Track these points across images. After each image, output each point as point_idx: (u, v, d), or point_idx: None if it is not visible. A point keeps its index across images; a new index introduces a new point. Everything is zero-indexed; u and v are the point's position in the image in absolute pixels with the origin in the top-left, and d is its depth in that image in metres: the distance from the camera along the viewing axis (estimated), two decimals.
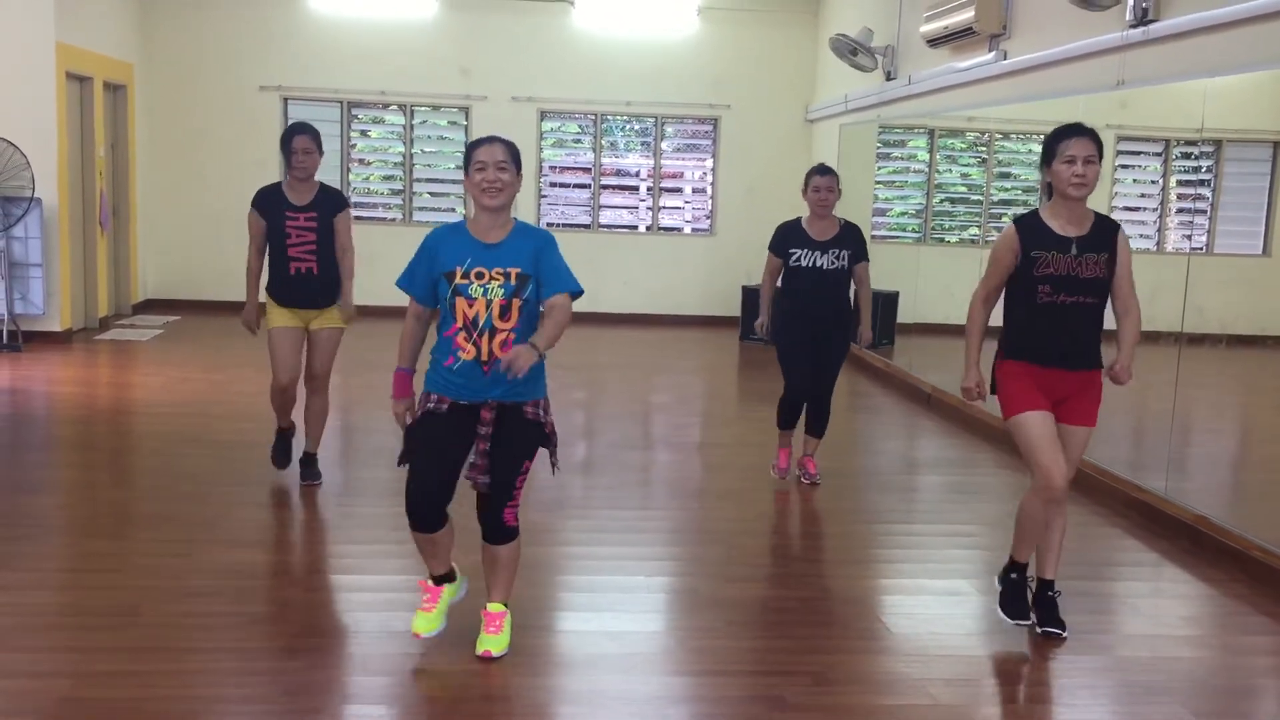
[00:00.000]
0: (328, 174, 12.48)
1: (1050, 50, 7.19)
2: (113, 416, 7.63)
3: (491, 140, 3.81)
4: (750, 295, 11.58)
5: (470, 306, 3.71)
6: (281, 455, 5.88)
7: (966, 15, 8.07)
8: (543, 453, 3.92)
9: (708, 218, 13.09)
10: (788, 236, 6.09)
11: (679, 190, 13.33)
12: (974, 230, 10.03)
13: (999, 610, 4.28)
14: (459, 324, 3.72)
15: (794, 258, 6.01)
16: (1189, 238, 6.86)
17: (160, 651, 3.85)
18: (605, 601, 4.52)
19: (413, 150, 12.67)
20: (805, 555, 5.50)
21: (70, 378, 8.79)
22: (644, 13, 12.40)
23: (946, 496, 6.54)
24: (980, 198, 9.84)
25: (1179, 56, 5.94)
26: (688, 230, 13.24)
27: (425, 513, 3.83)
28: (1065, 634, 4.19)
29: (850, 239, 6.03)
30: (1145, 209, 7.85)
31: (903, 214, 11.55)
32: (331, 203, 5.58)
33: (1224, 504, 5.88)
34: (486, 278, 3.71)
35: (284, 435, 5.89)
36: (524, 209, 12.67)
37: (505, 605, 3.96)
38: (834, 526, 5.80)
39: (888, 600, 4.77)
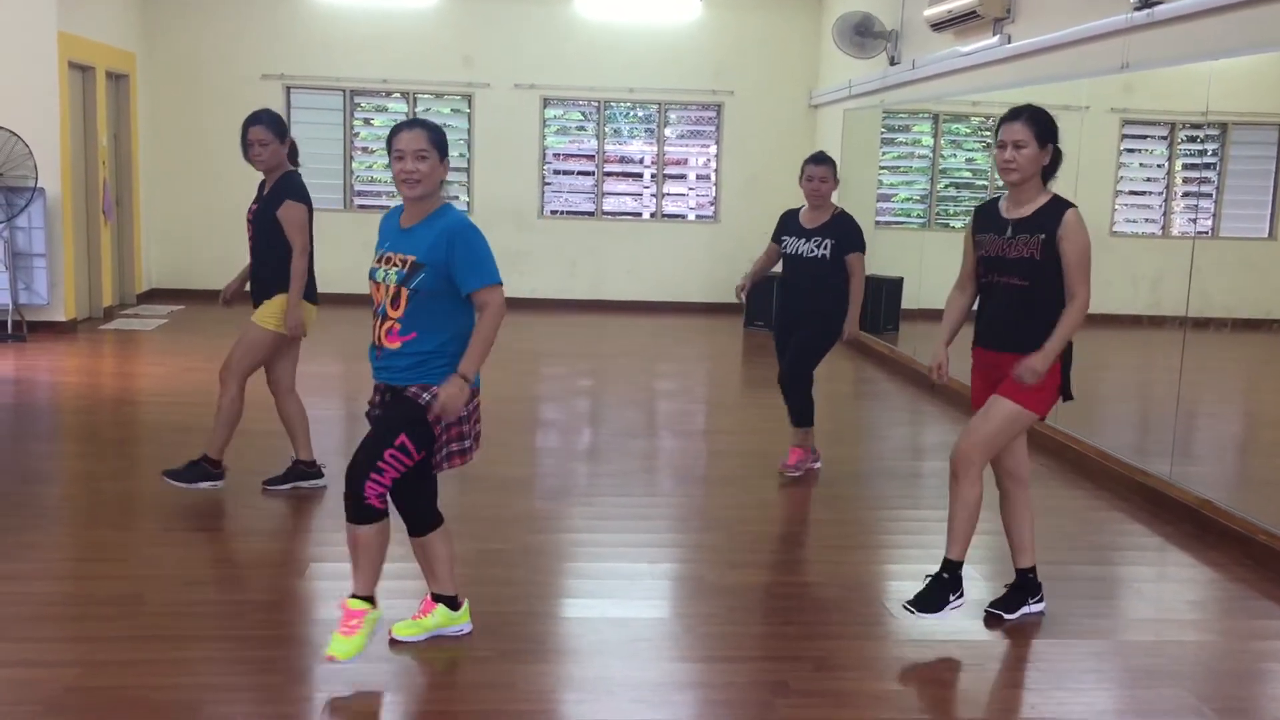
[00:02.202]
0: (331, 163, 12.55)
1: (1054, 33, 7.16)
2: (117, 406, 7.63)
3: (413, 125, 3.65)
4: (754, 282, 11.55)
5: (376, 290, 3.67)
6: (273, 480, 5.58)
7: None
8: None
9: (711, 204, 13.06)
10: (784, 223, 6.14)
11: (683, 177, 13.30)
12: None
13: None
14: (373, 307, 3.70)
15: (784, 245, 6.07)
16: (1194, 221, 6.83)
17: (165, 640, 3.86)
18: (609, 588, 4.52)
19: None
20: (809, 541, 5.50)
21: (75, 368, 8.80)
22: None
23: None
24: (985, 183, 9.82)
25: (1184, 39, 5.92)
26: (691, 217, 13.22)
27: (346, 493, 3.63)
28: (1008, 617, 4.21)
29: (837, 229, 5.92)
30: (1151, 193, 7.83)
31: (907, 199, 11.52)
32: (276, 196, 5.27)
33: (1229, 488, 5.87)
34: (391, 262, 3.63)
35: (305, 465, 5.62)
36: (528, 196, 12.67)
37: (368, 601, 3.69)
38: (838, 512, 5.79)
39: (892, 585, 4.76)
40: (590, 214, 12.95)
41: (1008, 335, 4.07)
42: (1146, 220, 7.85)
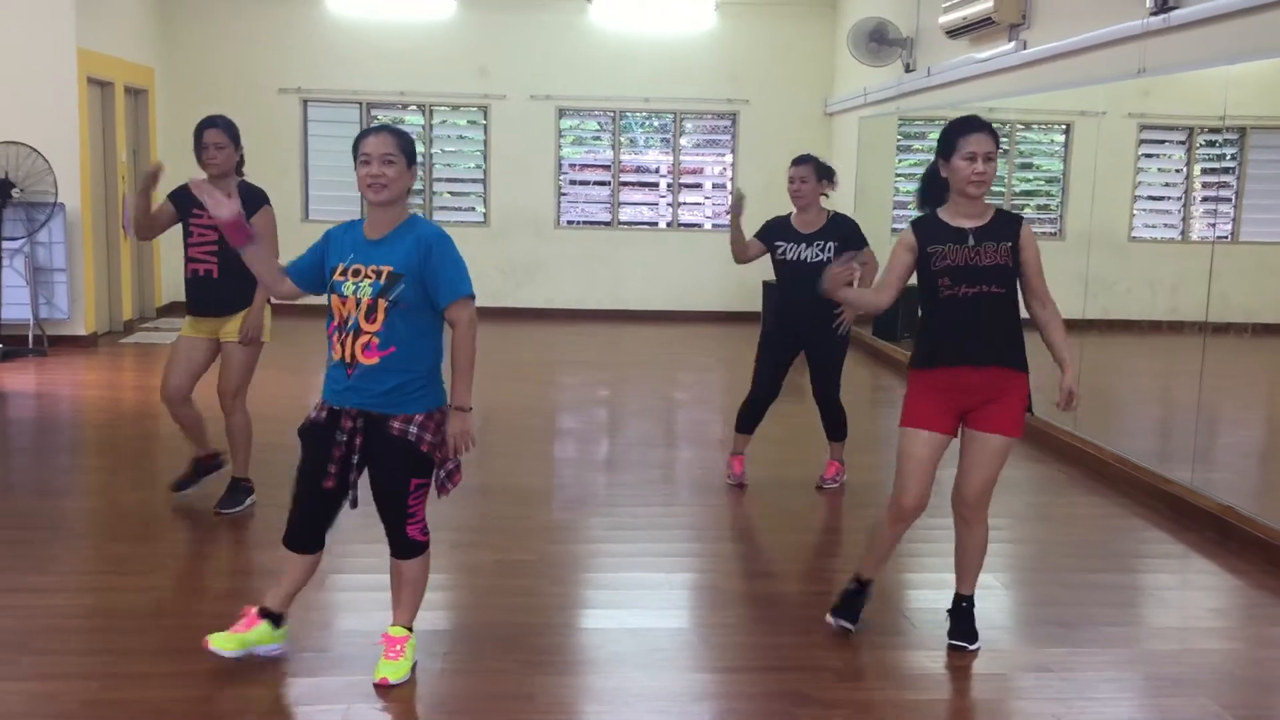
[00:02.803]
0: (347, 175, 12.45)
1: (1070, 39, 7.14)
2: (137, 419, 7.66)
3: (380, 131, 3.56)
4: (771, 289, 11.54)
5: (343, 304, 3.52)
6: (182, 481, 5.55)
7: (985, 5, 8.02)
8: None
9: (728, 213, 13.04)
10: (774, 230, 5.99)
11: (699, 186, 13.31)
12: None
13: (828, 615, 4.15)
14: (335, 321, 3.56)
15: (780, 251, 5.91)
16: (1214, 226, 6.79)
17: (185, 653, 3.86)
18: (627, 599, 4.51)
19: (432, 150, 12.70)
20: (828, 550, 5.48)
21: (95, 381, 8.85)
22: (661, 8, 12.38)
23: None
24: (1002, 189, 9.77)
25: (1201, 43, 5.89)
26: (708, 226, 13.21)
27: (303, 533, 3.70)
28: (972, 646, 4.06)
29: (838, 231, 5.86)
30: (1169, 198, 7.79)
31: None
32: (247, 203, 5.17)
33: (1252, 494, 5.82)
34: (361, 275, 3.51)
35: (198, 463, 5.57)
36: (544, 207, 12.69)
37: (409, 630, 3.77)
38: (857, 521, 5.77)
39: (912, 595, 4.74)
40: (607, 224, 12.96)
41: (992, 348, 3.91)
42: (1165, 225, 7.81)
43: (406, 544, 3.69)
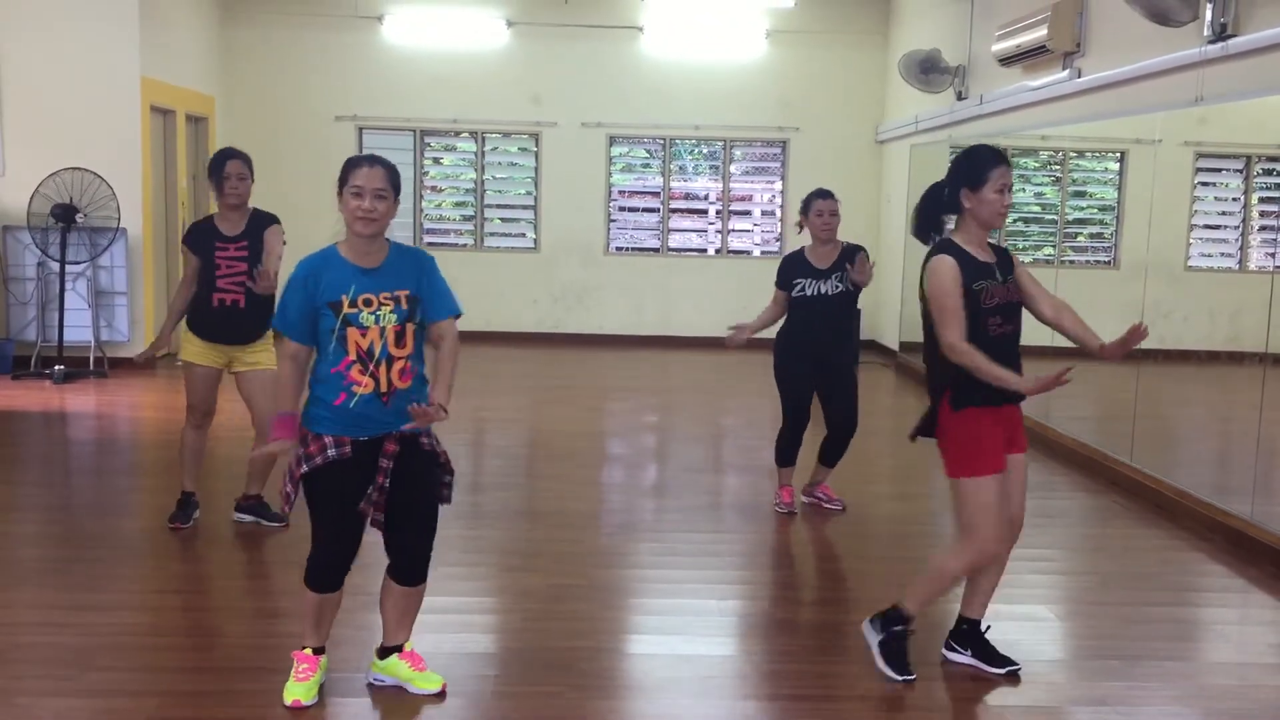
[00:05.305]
0: (402, 201, 12.72)
1: (1125, 68, 7.09)
2: None
3: (373, 162, 3.52)
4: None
5: (364, 336, 3.47)
6: (183, 512, 5.61)
7: (1039, 34, 8.00)
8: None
9: (777, 240, 13.06)
10: (793, 268, 6.01)
11: (748, 213, 13.33)
12: (1048, 250, 9.90)
13: (884, 667, 4.01)
14: (351, 356, 3.48)
15: (798, 288, 5.93)
16: (1273, 255, 6.71)
17: (243, 671, 3.93)
18: (677, 624, 4.51)
19: (484, 177, 12.83)
20: (878, 579, 5.44)
21: (154, 403, 9.00)
22: (712, 36, 12.45)
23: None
24: (1055, 217, 9.71)
25: (1259, 71, 5.83)
26: (757, 253, 13.22)
27: (336, 574, 3.69)
28: (1019, 666, 4.05)
29: (847, 259, 5.92)
30: (1226, 227, 7.70)
31: None
32: (262, 227, 5.34)
33: None
34: (375, 304, 3.49)
35: (189, 498, 5.65)
36: (594, 233, 12.77)
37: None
38: (906, 550, 5.73)
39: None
40: (656, 250, 13.02)
41: None
42: (1222, 255, 7.72)
43: (427, 562, 3.74)
